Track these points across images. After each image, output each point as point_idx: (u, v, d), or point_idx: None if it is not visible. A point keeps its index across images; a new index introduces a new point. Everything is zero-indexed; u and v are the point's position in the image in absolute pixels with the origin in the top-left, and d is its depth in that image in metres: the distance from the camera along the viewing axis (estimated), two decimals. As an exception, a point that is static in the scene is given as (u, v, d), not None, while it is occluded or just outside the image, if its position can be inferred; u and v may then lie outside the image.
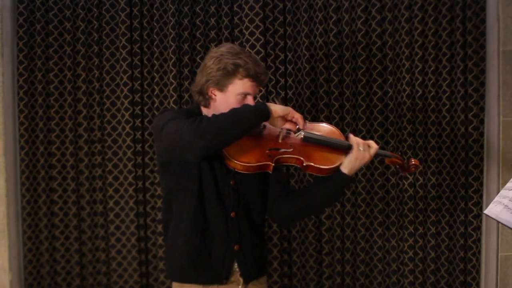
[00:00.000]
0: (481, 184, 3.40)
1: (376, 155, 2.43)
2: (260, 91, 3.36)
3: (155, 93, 3.53)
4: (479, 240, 3.42)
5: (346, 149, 2.37)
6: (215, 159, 2.35)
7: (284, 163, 2.38)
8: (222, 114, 2.21)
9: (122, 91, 3.50)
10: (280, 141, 2.35)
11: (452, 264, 3.49)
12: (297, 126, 2.29)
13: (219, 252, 2.40)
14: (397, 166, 2.54)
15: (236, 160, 2.26)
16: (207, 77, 2.36)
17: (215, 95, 2.38)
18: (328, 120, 3.46)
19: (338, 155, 2.37)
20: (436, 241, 3.48)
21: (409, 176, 3.43)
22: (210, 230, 2.40)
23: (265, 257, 2.64)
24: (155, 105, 3.53)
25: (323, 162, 2.34)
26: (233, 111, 2.23)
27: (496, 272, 3.41)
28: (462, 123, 3.37)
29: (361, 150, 2.35)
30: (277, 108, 2.25)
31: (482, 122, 3.39)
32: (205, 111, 2.45)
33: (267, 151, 2.30)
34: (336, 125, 3.42)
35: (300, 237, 3.55)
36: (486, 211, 2.30)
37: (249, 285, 2.47)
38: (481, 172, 3.40)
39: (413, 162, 2.48)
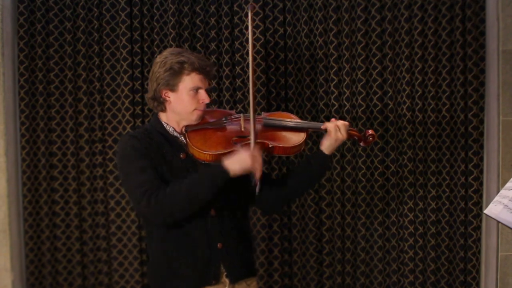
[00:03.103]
0: (481, 184, 3.41)
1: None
2: (260, 90, 3.40)
3: (155, 93, 3.53)
4: (479, 239, 3.43)
5: (305, 129, 2.59)
6: (186, 161, 2.44)
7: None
8: (179, 193, 2.29)
9: (122, 91, 3.51)
10: (242, 129, 2.50)
11: (452, 263, 3.50)
12: (254, 179, 2.37)
13: (202, 253, 2.42)
14: (356, 138, 2.68)
15: (205, 151, 2.37)
16: (157, 82, 2.44)
17: (168, 97, 2.45)
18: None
19: (299, 134, 2.55)
20: (436, 241, 3.49)
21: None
22: (189, 232, 2.42)
23: (252, 258, 2.66)
24: (156, 105, 3.53)
25: (287, 141, 2.52)
26: (189, 188, 2.30)
27: (496, 272, 3.42)
28: (462, 122, 3.38)
29: (335, 130, 2.54)
30: (235, 168, 2.31)
31: (482, 122, 3.39)
32: (163, 117, 2.52)
33: (233, 139, 2.45)
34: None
35: (300, 237, 3.57)
36: (486, 211, 2.31)
37: (236, 285, 2.49)
38: (481, 172, 3.40)
39: (370, 133, 2.65)
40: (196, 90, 2.43)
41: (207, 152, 2.37)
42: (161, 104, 2.47)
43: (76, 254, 3.61)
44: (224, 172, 2.29)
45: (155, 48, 3.53)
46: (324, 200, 3.51)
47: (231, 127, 2.53)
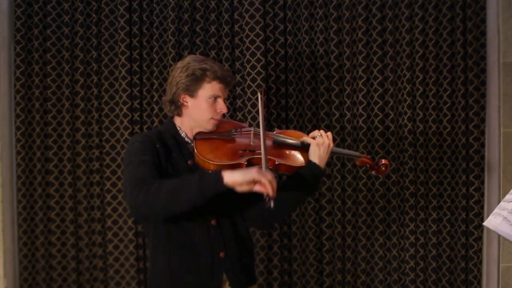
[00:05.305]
0: (482, 195, 3.41)
1: (347, 155, 2.73)
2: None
3: (154, 99, 3.50)
4: (480, 250, 3.43)
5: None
6: (193, 169, 2.38)
7: (257, 164, 2.39)
8: (166, 187, 2.19)
9: (120, 97, 3.48)
10: (251, 143, 2.46)
11: (453, 274, 3.49)
12: (265, 195, 2.13)
13: (205, 262, 2.38)
14: (368, 166, 2.65)
15: (209, 160, 2.33)
16: (176, 86, 2.42)
17: (186, 102, 2.44)
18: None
19: (306, 154, 2.50)
20: (437, 251, 3.50)
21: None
22: (192, 242, 2.39)
23: (253, 265, 2.61)
24: (154, 112, 3.50)
25: (294, 161, 2.49)
26: (178, 186, 2.19)
27: (497, 283, 3.43)
28: (463, 133, 3.39)
29: (318, 136, 2.48)
30: (235, 178, 2.12)
31: (482, 133, 3.40)
32: (178, 121, 2.50)
33: (239, 152, 2.41)
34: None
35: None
36: (485, 223, 2.31)
37: None
38: (482, 183, 3.41)
39: (383, 162, 2.62)
40: (215, 98, 2.41)
41: (211, 162, 2.33)
42: (178, 108, 2.45)
43: (71, 261, 3.56)
44: (217, 176, 2.12)
45: (154, 55, 3.50)
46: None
47: (240, 140, 2.49)
